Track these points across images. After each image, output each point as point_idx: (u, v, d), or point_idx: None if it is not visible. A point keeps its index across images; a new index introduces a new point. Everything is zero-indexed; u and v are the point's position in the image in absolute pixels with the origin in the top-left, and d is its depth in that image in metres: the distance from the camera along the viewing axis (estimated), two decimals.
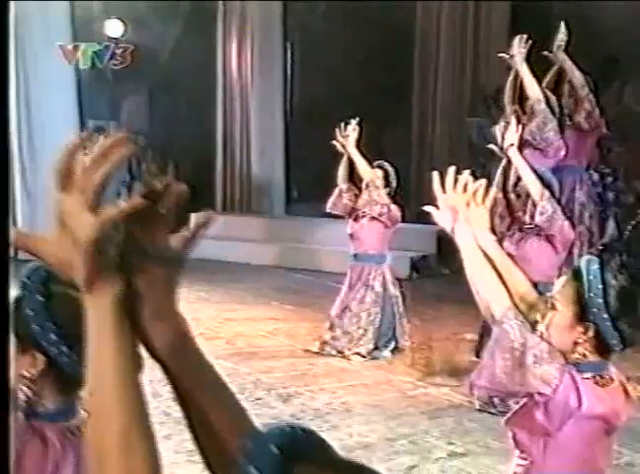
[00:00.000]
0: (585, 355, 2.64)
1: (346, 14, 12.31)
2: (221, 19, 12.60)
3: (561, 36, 7.05)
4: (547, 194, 5.48)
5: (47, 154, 11.39)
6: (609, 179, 8.95)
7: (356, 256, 7.30)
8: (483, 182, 2.79)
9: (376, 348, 7.14)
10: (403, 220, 7.48)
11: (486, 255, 2.81)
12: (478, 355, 6.82)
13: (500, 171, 5.76)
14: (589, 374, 2.64)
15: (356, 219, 7.22)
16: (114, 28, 12.37)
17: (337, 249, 10.46)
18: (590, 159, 7.60)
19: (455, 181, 2.78)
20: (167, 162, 13.07)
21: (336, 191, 7.36)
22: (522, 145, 6.53)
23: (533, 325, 2.68)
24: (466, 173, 2.80)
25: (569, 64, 7.15)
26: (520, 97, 6.84)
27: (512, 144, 5.53)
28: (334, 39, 12.37)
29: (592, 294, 2.63)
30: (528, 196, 5.58)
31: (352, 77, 12.33)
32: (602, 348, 2.66)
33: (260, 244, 11.58)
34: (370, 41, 12.13)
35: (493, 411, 5.63)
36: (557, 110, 6.87)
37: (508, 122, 6.62)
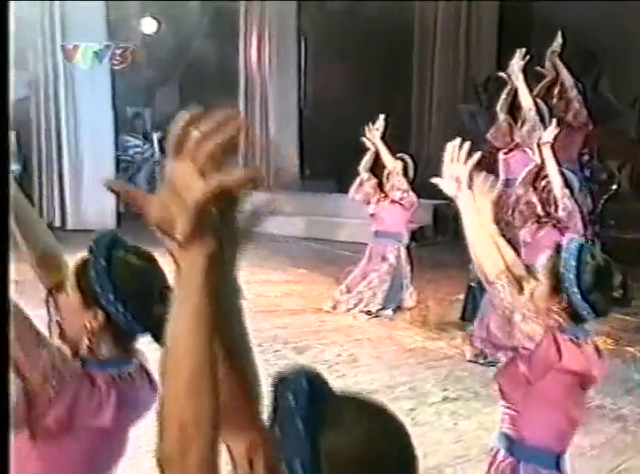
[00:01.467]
0: (559, 322, 2.66)
1: (352, 13, 12.24)
2: (243, 17, 12.52)
3: (556, 43, 7.01)
4: (568, 192, 5.47)
5: (88, 140, 11.37)
6: (586, 157, 8.91)
7: (376, 233, 7.34)
8: (479, 154, 2.76)
9: (382, 308, 7.17)
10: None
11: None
12: (463, 317, 6.86)
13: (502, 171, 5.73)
14: (566, 336, 2.65)
15: (377, 202, 7.27)
16: (148, 25, 12.27)
17: (345, 221, 10.47)
18: (579, 152, 7.60)
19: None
20: None
21: (357, 180, 7.39)
22: (515, 147, 6.57)
23: (519, 291, 2.69)
24: (467, 144, 2.74)
25: (563, 70, 7.12)
26: (512, 105, 6.83)
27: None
28: (342, 35, 12.30)
29: (564, 270, 2.66)
30: (549, 191, 5.56)
31: (357, 70, 12.27)
32: (575, 316, 2.68)
33: (277, 216, 11.57)
34: (373, 38, 12.05)
35: (482, 362, 5.67)
36: (547, 116, 6.85)
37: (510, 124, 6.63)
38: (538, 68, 6.98)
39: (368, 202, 7.32)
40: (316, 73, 12.98)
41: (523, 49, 6.54)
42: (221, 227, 1.11)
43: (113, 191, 1.13)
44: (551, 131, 5.58)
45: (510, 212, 6.04)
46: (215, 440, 1.08)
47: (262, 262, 9.40)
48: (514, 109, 6.77)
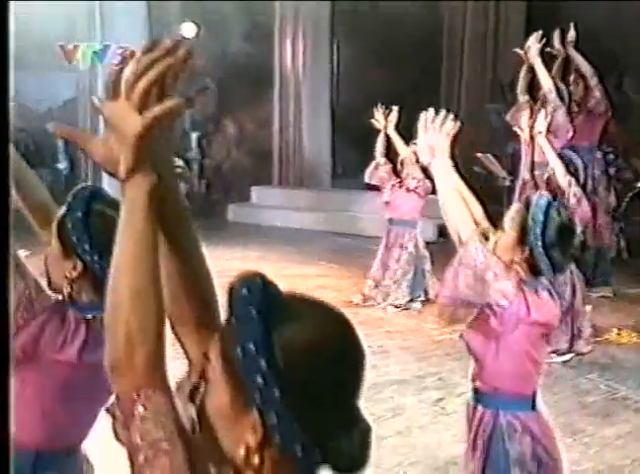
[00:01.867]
0: (520, 274, 2.72)
1: (382, 15, 12.18)
2: (278, 21, 12.52)
3: (571, 35, 6.96)
4: (573, 180, 5.40)
5: None
6: (611, 156, 8.81)
7: (391, 220, 7.32)
8: (454, 124, 2.83)
9: (410, 300, 7.14)
10: (432, 193, 7.43)
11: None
12: None
13: (525, 155, 5.66)
14: (528, 289, 2.72)
15: (392, 189, 7.24)
16: (188, 29, 12.33)
17: (374, 217, 10.44)
18: (599, 139, 7.51)
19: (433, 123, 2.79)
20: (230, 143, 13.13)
21: (372, 164, 7.40)
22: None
23: (484, 242, 2.75)
24: (443, 113, 2.81)
25: (579, 58, 7.04)
26: (531, 87, 6.75)
27: (540, 132, 5.45)
28: (372, 37, 12.26)
29: (532, 223, 2.72)
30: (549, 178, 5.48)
31: (388, 70, 12.21)
32: (535, 269, 2.75)
33: (309, 212, 11.57)
34: (403, 40, 12.00)
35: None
36: (566, 98, 6.77)
37: (522, 109, 6.54)
38: (548, 49, 6.91)
39: (383, 187, 7.32)
40: (348, 75, 12.95)
41: (540, 32, 6.49)
42: (159, 156, 1.17)
43: (61, 133, 1.21)
44: (543, 120, 5.48)
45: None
46: (160, 346, 1.14)
47: (293, 256, 9.41)
48: (533, 91, 6.70)
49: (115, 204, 2.06)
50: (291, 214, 11.50)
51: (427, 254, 7.22)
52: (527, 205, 2.79)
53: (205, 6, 12.09)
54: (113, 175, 1.16)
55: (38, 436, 2.06)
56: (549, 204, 2.77)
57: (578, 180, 5.50)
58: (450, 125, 2.80)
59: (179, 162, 12.68)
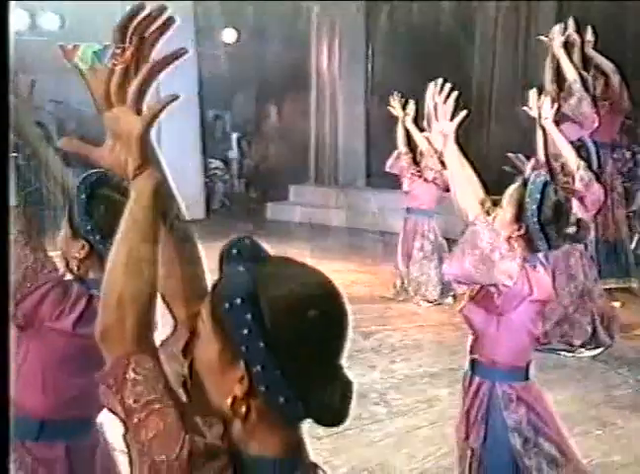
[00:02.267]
0: (515, 249, 2.74)
1: (415, 19, 12.13)
2: (314, 26, 12.54)
3: (589, 36, 6.87)
4: (583, 163, 5.35)
5: (175, 140, 11.55)
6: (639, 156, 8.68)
7: (409, 209, 7.33)
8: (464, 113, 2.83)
9: (442, 294, 7.10)
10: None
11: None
12: None
13: (540, 141, 5.59)
14: (528, 265, 2.73)
15: (411, 178, 7.25)
16: (229, 35, 12.43)
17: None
18: (616, 135, 7.40)
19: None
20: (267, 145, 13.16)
21: (394, 153, 7.41)
22: (562, 119, 6.38)
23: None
24: (455, 94, 2.81)
25: (599, 57, 6.94)
26: (559, 77, 6.67)
27: (546, 118, 5.39)
28: (406, 40, 12.20)
29: (529, 200, 2.75)
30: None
31: (420, 74, 12.14)
32: (531, 245, 2.78)
33: (344, 210, 11.57)
34: (436, 42, 11.93)
35: (537, 347, 5.58)
36: (591, 88, 6.68)
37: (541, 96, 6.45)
38: (541, 37, 6.78)
39: (403, 177, 7.32)
40: (382, 76, 12.91)
41: (562, 24, 6.42)
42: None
43: (70, 148, 1.23)
44: (549, 107, 5.40)
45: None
46: (150, 310, 1.18)
47: (328, 253, 9.41)
48: (559, 80, 6.62)
49: (119, 188, 2.08)
50: (327, 212, 11.51)
51: (444, 242, 7.19)
52: (525, 183, 2.83)
53: (246, 13, 12.16)
54: (122, 175, 1.20)
55: (41, 405, 2.13)
56: (546, 183, 2.81)
57: (590, 165, 5.43)
58: (454, 98, 2.81)
59: (217, 163, 12.78)
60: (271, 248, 1.23)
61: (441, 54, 12.02)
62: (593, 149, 5.64)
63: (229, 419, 1.14)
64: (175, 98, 1.19)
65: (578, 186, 5.26)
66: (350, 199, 11.81)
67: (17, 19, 9.14)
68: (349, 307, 1.22)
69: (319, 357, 1.13)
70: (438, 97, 2.79)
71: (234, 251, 1.15)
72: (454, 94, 2.82)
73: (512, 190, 2.85)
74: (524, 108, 5.49)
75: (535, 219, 2.74)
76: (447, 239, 7.13)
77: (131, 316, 1.15)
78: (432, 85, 2.84)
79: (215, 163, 12.79)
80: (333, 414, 1.14)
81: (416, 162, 7.31)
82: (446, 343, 5.98)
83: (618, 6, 9.60)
